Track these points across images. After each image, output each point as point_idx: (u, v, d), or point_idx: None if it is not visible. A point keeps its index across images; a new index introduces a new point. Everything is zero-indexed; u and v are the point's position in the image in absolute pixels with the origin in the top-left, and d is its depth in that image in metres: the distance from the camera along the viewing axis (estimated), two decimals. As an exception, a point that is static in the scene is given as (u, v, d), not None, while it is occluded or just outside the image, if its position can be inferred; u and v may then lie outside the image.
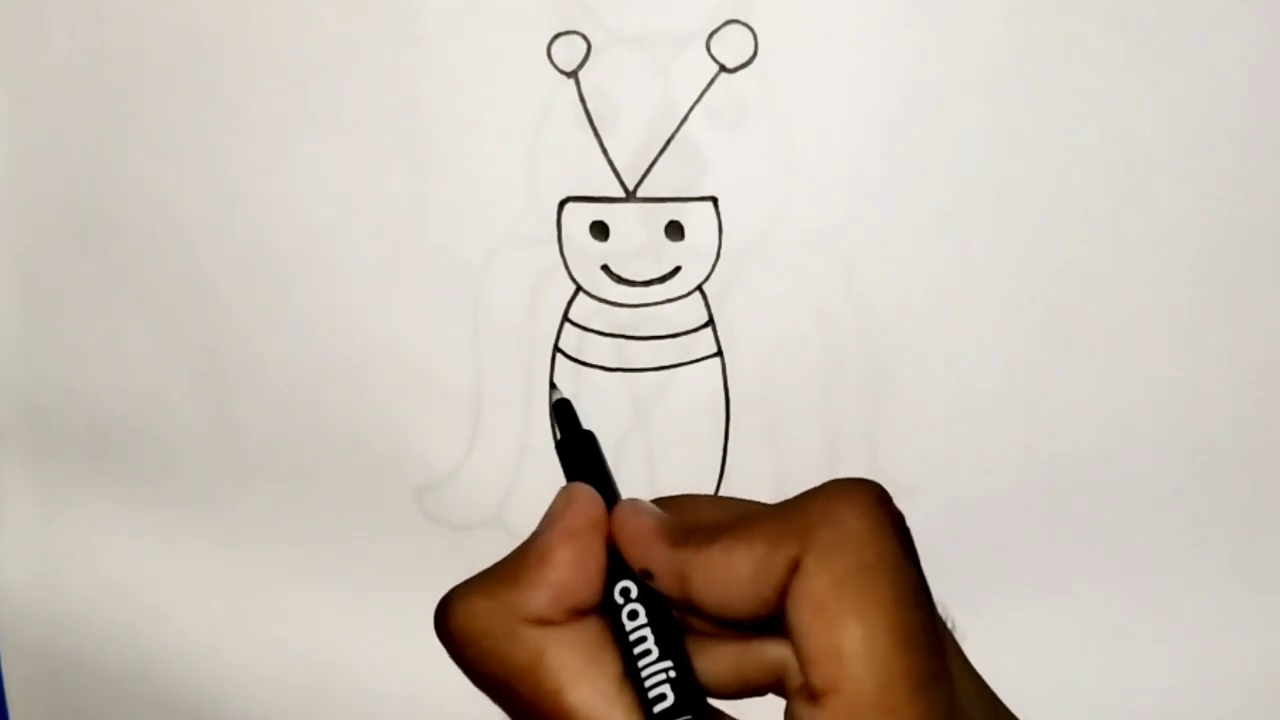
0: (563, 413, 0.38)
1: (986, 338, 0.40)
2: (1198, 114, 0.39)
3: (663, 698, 0.31)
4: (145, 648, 0.45)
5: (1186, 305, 0.39)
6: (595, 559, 0.32)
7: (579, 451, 0.36)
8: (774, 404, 0.41)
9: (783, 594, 0.30)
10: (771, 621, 0.31)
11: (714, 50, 0.39)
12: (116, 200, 0.43)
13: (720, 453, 0.41)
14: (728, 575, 0.30)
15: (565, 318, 0.41)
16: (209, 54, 0.42)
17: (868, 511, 0.30)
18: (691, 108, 0.40)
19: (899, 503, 0.40)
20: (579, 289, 0.41)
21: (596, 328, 0.41)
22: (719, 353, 0.41)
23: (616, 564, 0.32)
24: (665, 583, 0.32)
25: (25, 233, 0.43)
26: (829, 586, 0.29)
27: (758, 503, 0.34)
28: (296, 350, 0.43)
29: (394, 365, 0.42)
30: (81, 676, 0.45)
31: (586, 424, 0.41)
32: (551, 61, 0.40)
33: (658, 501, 0.34)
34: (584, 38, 0.40)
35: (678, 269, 0.41)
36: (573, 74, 0.40)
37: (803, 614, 0.29)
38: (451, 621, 0.32)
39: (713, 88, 0.40)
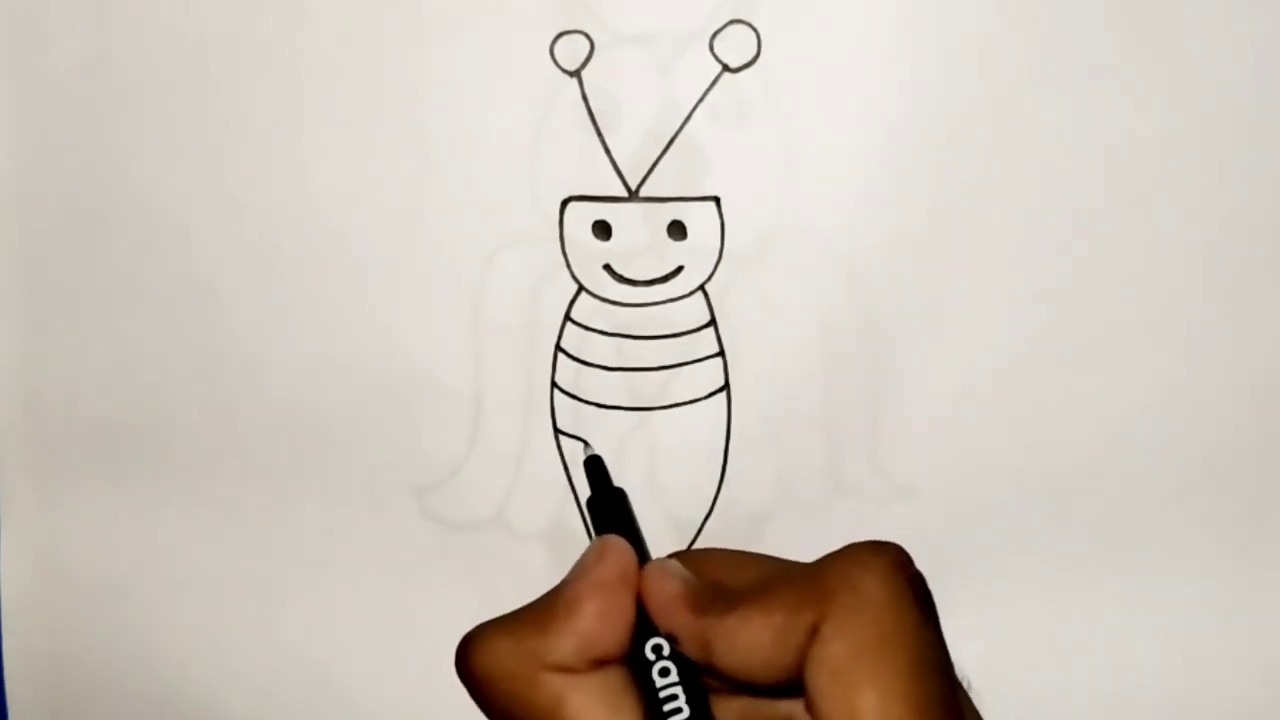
0: (594, 469, 0.38)
1: (988, 338, 0.40)
2: (1199, 114, 0.39)
3: None
4: (145, 647, 0.45)
5: (1188, 305, 0.40)
6: (624, 612, 0.32)
7: (610, 508, 0.36)
8: (775, 404, 0.41)
9: (802, 659, 0.30)
10: (791, 684, 0.31)
11: (717, 50, 0.40)
12: (117, 200, 0.43)
13: (721, 452, 0.41)
14: (748, 643, 0.30)
15: (567, 317, 0.41)
16: (210, 54, 0.42)
17: (886, 577, 0.30)
18: (694, 107, 0.40)
19: (899, 503, 0.41)
20: (581, 288, 0.41)
21: (598, 327, 0.41)
22: (721, 352, 0.41)
23: (647, 620, 0.33)
24: (689, 648, 0.32)
25: (25, 233, 0.43)
26: (846, 653, 0.29)
27: (778, 559, 0.34)
28: (297, 350, 0.43)
29: (394, 365, 0.42)
30: (81, 675, 0.45)
31: (586, 424, 0.42)
32: (554, 61, 0.40)
33: (681, 555, 0.34)
34: (587, 37, 0.40)
35: (680, 269, 0.41)
36: (575, 73, 0.40)
37: (820, 680, 0.29)
38: (473, 660, 0.32)
39: (715, 87, 0.40)
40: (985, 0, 0.39)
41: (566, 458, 0.42)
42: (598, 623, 0.32)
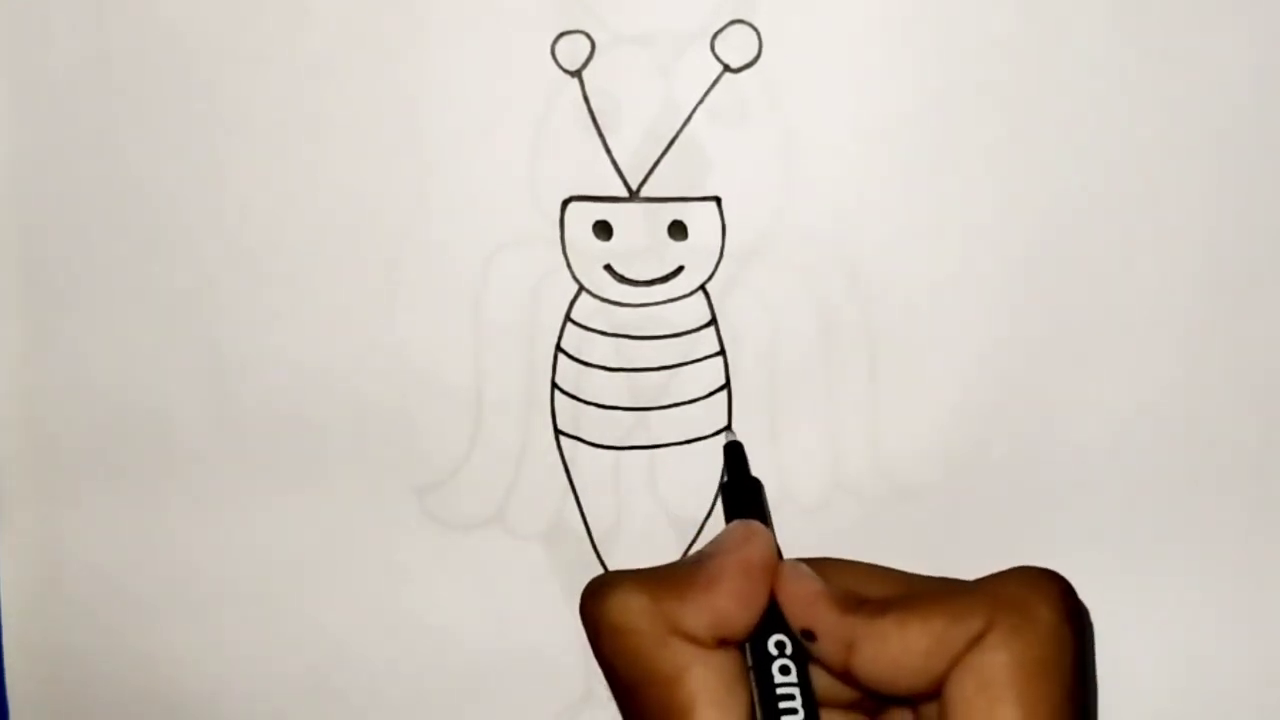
0: (734, 456, 0.38)
1: (988, 338, 0.40)
2: (1199, 114, 0.39)
3: None
4: (146, 647, 0.45)
5: (1188, 305, 0.40)
6: (759, 599, 0.33)
7: (747, 496, 0.37)
8: (776, 403, 0.41)
9: (950, 669, 0.30)
10: (920, 697, 0.31)
11: (718, 50, 0.40)
12: (117, 200, 0.43)
13: (722, 452, 0.41)
14: (901, 647, 0.31)
15: (567, 317, 0.41)
16: (210, 53, 0.42)
17: (1057, 604, 0.31)
18: (695, 107, 0.40)
19: (899, 503, 0.41)
20: (581, 288, 0.41)
21: (598, 327, 0.41)
22: (721, 352, 0.41)
23: (774, 615, 0.33)
24: (828, 647, 0.32)
25: (25, 233, 0.43)
26: (1004, 666, 0.30)
27: (903, 573, 0.35)
28: (297, 350, 0.43)
29: (394, 365, 0.42)
30: (82, 676, 0.45)
31: (587, 424, 0.42)
32: (555, 61, 0.40)
33: (808, 561, 0.35)
34: (588, 37, 0.40)
35: (680, 268, 0.41)
36: (576, 73, 0.40)
37: (966, 687, 0.30)
38: (606, 606, 0.33)
39: (716, 88, 0.40)
40: (986, 0, 0.39)
41: (567, 458, 0.42)
42: (736, 602, 0.32)
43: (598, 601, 0.33)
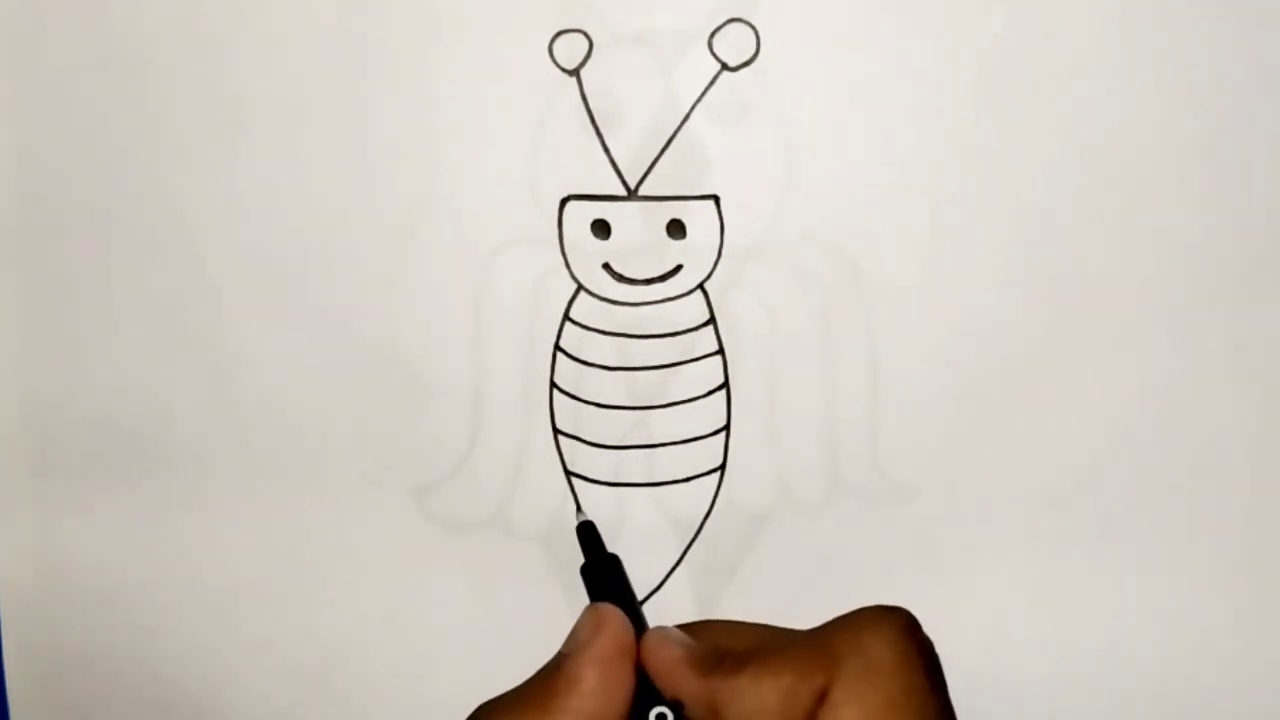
0: (587, 536, 0.38)
1: (987, 337, 0.40)
2: (1198, 114, 0.39)
3: None
4: (146, 647, 0.45)
5: (1186, 304, 0.40)
6: (623, 685, 0.33)
7: (604, 575, 0.37)
8: (775, 403, 0.41)
9: None
10: None
11: (716, 49, 0.40)
12: (117, 199, 0.43)
13: (721, 452, 0.41)
14: (756, 704, 0.31)
15: (566, 316, 0.41)
16: (210, 52, 0.42)
17: (895, 642, 0.31)
18: (693, 106, 0.40)
19: (899, 503, 0.41)
20: (580, 287, 0.41)
21: (597, 326, 0.41)
22: (720, 351, 0.41)
23: (648, 689, 0.33)
24: (696, 712, 0.32)
25: (25, 233, 0.43)
26: (856, 719, 0.29)
27: (784, 628, 0.35)
28: (297, 349, 0.43)
29: (394, 365, 0.42)
30: (82, 676, 0.45)
31: (586, 423, 0.42)
32: (553, 60, 0.40)
33: (683, 627, 0.34)
34: (586, 36, 0.40)
35: (679, 267, 0.41)
36: (574, 72, 0.40)
37: None
38: None
39: (715, 86, 0.40)
40: (985, 0, 0.39)
41: (566, 458, 0.42)
42: (600, 698, 0.32)
43: None
